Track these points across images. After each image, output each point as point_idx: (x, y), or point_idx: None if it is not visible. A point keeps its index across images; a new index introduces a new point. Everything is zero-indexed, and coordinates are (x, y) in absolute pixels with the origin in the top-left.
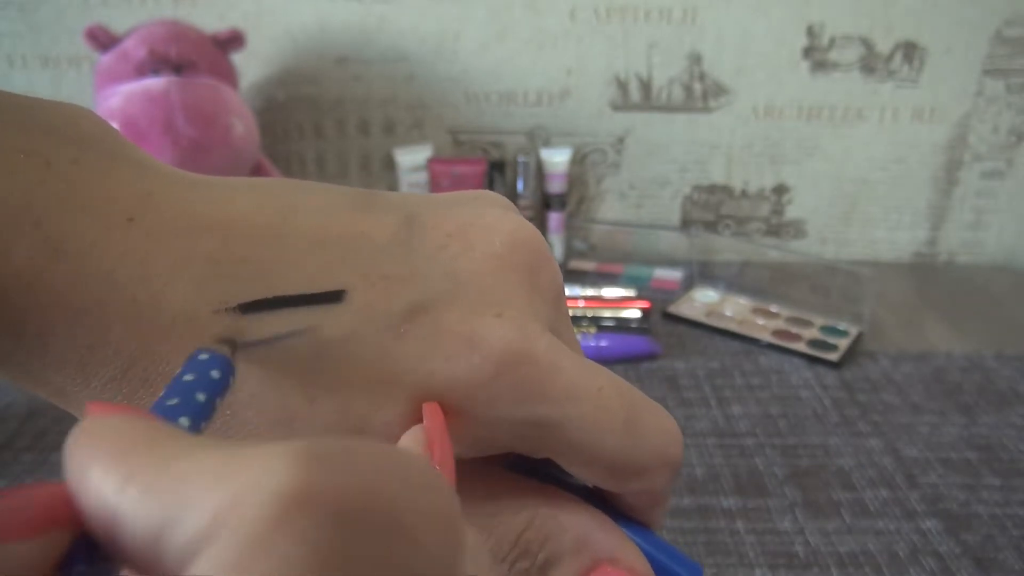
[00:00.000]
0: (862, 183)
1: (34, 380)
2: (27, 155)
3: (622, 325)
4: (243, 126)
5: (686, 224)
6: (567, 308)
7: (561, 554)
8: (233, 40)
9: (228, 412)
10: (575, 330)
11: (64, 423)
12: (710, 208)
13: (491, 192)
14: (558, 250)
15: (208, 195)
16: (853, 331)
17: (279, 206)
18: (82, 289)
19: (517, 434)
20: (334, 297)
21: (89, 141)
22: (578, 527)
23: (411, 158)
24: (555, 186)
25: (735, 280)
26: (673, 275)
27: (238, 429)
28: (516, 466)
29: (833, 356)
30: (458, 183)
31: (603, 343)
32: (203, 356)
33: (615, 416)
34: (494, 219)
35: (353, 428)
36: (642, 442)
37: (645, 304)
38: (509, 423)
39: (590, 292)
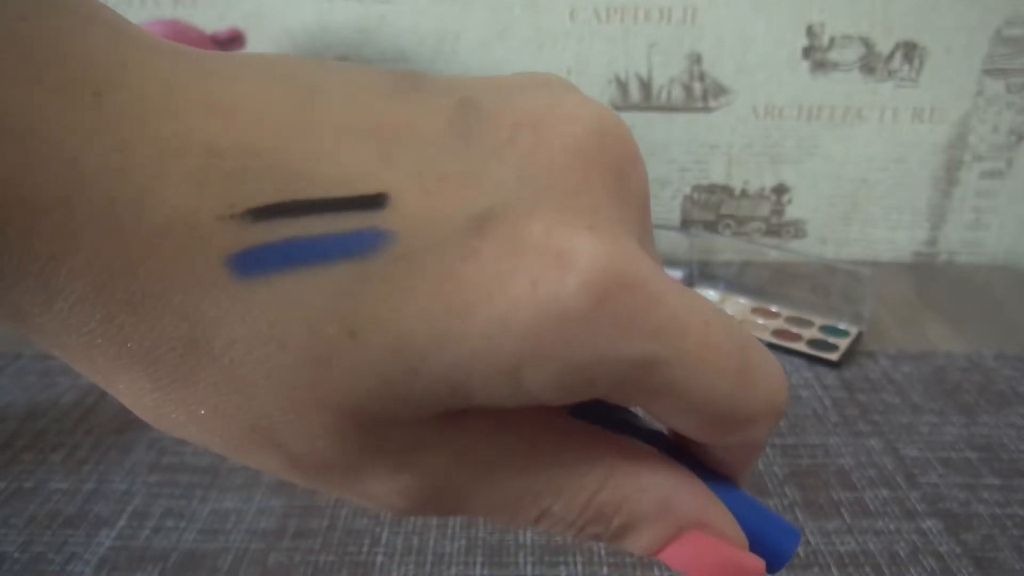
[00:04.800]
0: (862, 183)
1: None
2: None
3: None
4: None
5: (686, 224)
6: (651, 221)
7: (640, 519)
8: (233, 40)
9: (239, 346)
10: None
11: (64, 423)
12: (710, 208)
13: (559, 76)
14: None
15: (204, 70)
16: (853, 331)
17: (298, 87)
18: (38, 180)
19: (614, 379)
20: (374, 202)
21: None
22: (660, 488)
23: None
24: None
25: (735, 280)
26: (673, 275)
27: (252, 368)
28: (582, 411)
29: (833, 356)
30: None
31: None
32: None
33: (727, 355)
34: (573, 106)
35: (409, 371)
36: (753, 387)
37: None
38: (605, 366)
39: None
